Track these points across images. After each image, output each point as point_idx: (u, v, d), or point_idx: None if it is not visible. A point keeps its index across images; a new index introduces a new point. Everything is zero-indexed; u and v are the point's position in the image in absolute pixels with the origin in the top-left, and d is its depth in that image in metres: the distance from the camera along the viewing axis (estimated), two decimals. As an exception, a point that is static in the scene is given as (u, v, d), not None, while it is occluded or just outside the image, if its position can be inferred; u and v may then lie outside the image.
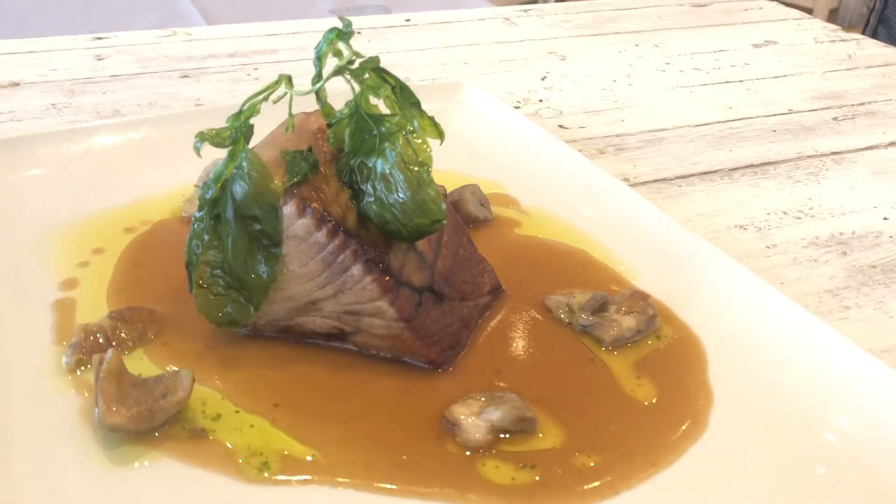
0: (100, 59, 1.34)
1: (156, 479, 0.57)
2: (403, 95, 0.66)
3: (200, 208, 0.66)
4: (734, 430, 0.64)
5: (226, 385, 0.65)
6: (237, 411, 0.63)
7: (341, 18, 0.65)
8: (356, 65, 0.65)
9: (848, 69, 1.48)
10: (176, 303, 0.73)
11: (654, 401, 0.66)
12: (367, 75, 0.65)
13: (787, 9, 1.84)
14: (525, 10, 1.74)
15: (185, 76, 1.30)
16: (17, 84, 1.23)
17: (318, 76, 0.65)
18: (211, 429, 0.61)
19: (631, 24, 1.67)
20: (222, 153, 0.66)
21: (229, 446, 0.60)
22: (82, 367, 0.65)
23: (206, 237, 0.66)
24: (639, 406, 0.66)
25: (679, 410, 0.65)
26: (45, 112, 1.14)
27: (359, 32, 1.47)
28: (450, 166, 0.99)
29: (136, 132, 1.00)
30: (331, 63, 0.65)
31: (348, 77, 0.65)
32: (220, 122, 0.72)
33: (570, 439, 0.62)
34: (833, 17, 4.63)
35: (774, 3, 1.88)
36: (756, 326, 0.73)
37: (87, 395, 0.63)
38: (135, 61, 1.34)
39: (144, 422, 0.59)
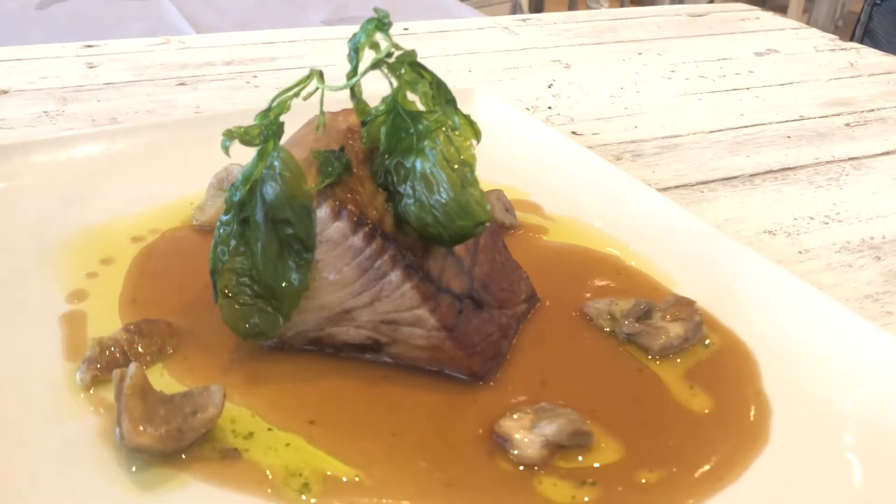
0: (91, 67, 1.29)
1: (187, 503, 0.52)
2: (440, 92, 0.63)
3: (227, 211, 0.62)
4: (797, 441, 0.60)
5: (255, 401, 0.61)
6: (270, 429, 0.58)
7: (377, 10, 0.62)
8: (393, 59, 0.61)
9: (852, 77, 1.47)
10: (195, 315, 0.69)
11: (710, 411, 0.62)
12: (403, 70, 0.61)
13: (784, 18, 1.83)
14: (523, 20, 1.71)
15: (181, 84, 1.25)
16: (5, 92, 1.18)
17: (353, 70, 0.61)
18: (244, 448, 0.56)
19: (631, 34, 1.65)
20: (235, 159, 0.61)
21: (265, 467, 0.55)
22: (97, 385, 0.60)
23: (232, 242, 0.62)
24: (695, 417, 0.62)
25: (738, 421, 0.62)
26: (37, 120, 1.09)
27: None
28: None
29: (138, 139, 0.95)
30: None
31: (385, 71, 0.61)
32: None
33: (630, 454, 0.58)
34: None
35: (770, 13, 1.87)
36: (804, 332, 0.70)
37: (104, 413, 0.58)
38: (128, 69, 1.30)
39: (173, 442, 0.54)
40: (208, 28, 1.77)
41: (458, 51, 1.47)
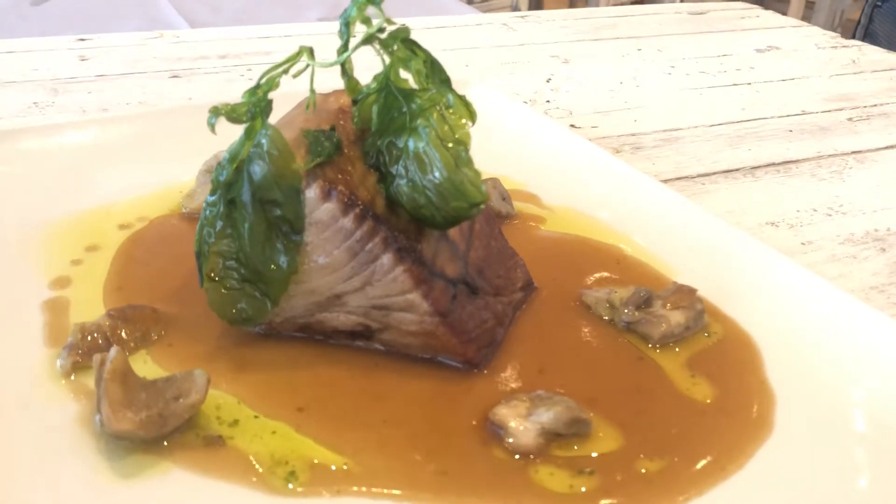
0: (84, 60, 1.27)
1: (169, 492, 0.50)
2: (434, 71, 0.61)
3: (213, 192, 0.60)
4: (801, 431, 0.58)
5: (242, 388, 0.59)
6: (256, 416, 0.56)
7: (369, -18, 0.60)
8: (386, 34, 0.59)
9: (854, 73, 1.45)
10: (181, 301, 0.67)
11: (712, 401, 0.60)
12: (396, 46, 0.60)
13: (785, 17, 1.82)
14: (522, 17, 1.70)
15: (175, 76, 1.23)
16: (-5, 83, 1.16)
17: (344, 46, 0.60)
18: (228, 436, 0.54)
19: (631, 30, 1.64)
20: (226, 145, 0.59)
21: (250, 455, 0.53)
22: (78, 371, 0.58)
23: (219, 224, 0.60)
24: (697, 406, 0.60)
25: (741, 410, 0.59)
26: (28, 111, 1.07)
27: (354, 37, 1.42)
28: (463, 163, 0.93)
29: (129, 127, 0.93)
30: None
31: (377, 47, 0.59)
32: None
33: (630, 442, 0.56)
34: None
35: (770, 11, 1.86)
36: (810, 321, 0.68)
37: (84, 400, 0.56)
38: (121, 62, 1.28)
39: (155, 428, 0.52)
40: (204, 25, 1.75)
41: (455, 46, 1.45)
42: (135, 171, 0.86)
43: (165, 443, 0.53)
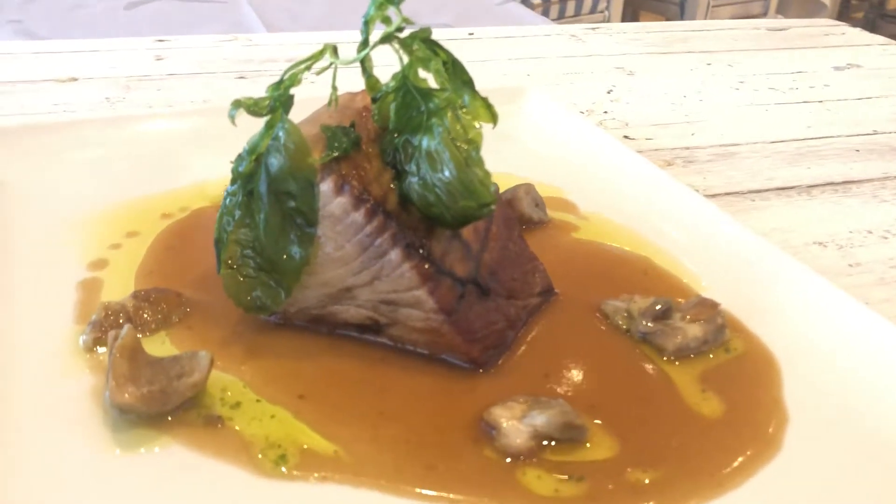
0: (159, 60, 1.33)
1: (163, 466, 0.52)
2: (456, 72, 0.61)
3: (233, 182, 0.62)
4: (810, 454, 0.56)
5: (249, 373, 0.60)
6: (258, 401, 0.58)
7: (391, -16, 0.61)
8: (405, 33, 0.60)
9: (939, 94, 1.38)
10: (206, 288, 0.69)
11: (720, 416, 0.59)
12: (416, 46, 0.61)
13: (872, 34, 1.75)
14: (593, 28, 1.69)
15: (241, 77, 1.28)
16: (75, 79, 1.22)
17: (364, 43, 0.61)
18: (228, 417, 0.56)
19: (704, 45, 1.61)
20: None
21: (246, 437, 0.54)
22: (99, 347, 0.61)
23: (237, 213, 0.62)
24: (704, 421, 0.58)
25: (749, 428, 0.58)
26: (99, 105, 1.13)
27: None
28: (507, 169, 0.94)
29: (185, 122, 0.97)
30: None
31: (396, 47, 0.60)
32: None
33: (624, 452, 0.55)
34: None
35: (858, 28, 1.79)
36: (839, 343, 0.65)
37: (100, 375, 0.59)
38: (193, 62, 1.33)
39: (156, 403, 0.54)
40: (281, 31, 1.81)
41: (520, 55, 1.46)
42: (184, 164, 0.90)
43: (170, 418, 0.55)
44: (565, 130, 1.01)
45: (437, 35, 0.62)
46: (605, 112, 1.22)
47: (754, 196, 0.97)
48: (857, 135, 1.18)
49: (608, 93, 1.31)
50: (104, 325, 0.62)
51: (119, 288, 0.69)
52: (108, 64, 1.30)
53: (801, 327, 0.67)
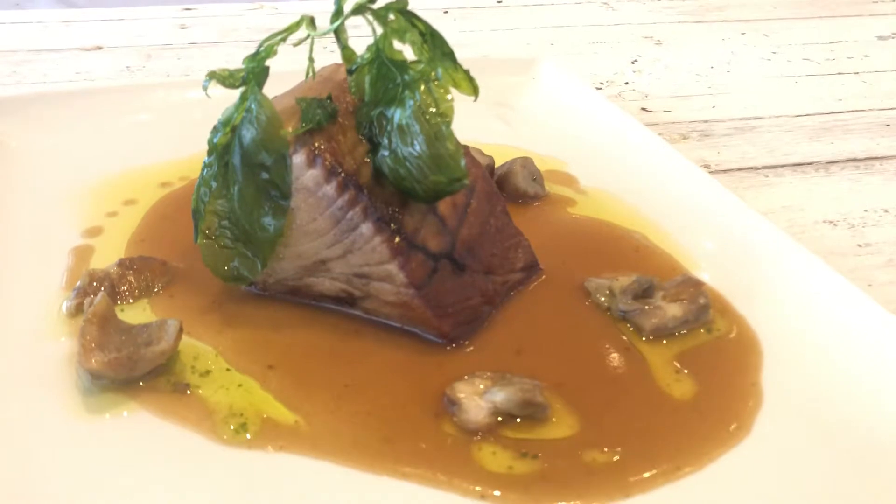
0: (183, 28, 1.35)
1: (127, 430, 0.54)
2: (435, 44, 0.61)
3: (210, 153, 0.63)
4: (779, 440, 0.55)
5: (223, 342, 0.61)
6: (228, 369, 0.59)
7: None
8: (380, 4, 0.59)
9: None
10: (193, 258, 0.70)
11: (690, 398, 0.58)
12: (391, 17, 0.60)
13: (923, 2, 1.66)
14: (626, -4, 1.64)
15: (262, 46, 1.28)
16: (100, 48, 1.25)
17: (337, 13, 0.60)
18: (196, 385, 0.57)
19: (740, 13, 1.55)
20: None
21: (211, 404, 0.56)
22: (82, 313, 0.63)
23: (213, 184, 0.63)
24: (672, 403, 0.57)
25: (719, 412, 0.57)
26: (119, 74, 1.15)
27: (445, 12, 1.42)
28: (511, 142, 0.93)
29: (194, 92, 0.98)
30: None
31: (370, 18, 0.60)
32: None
33: (584, 431, 0.55)
34: None
35: (908, -4, 1.71)
36: (827, 328, 0.63)
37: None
38: (217, 31, 1.34)
39: (123, 370, 0.55)
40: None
41: (546, 24, 1.43)
42: (188, 134, 0.90)
43: (141, 384, 0.57)
44: (573, 103, 0.99)
45: (463, 2, 0.61)
46: (626, 83, 1.19)
47: (768, 172, 0.95)
48: (891, 108, 1.14)
49: (632, 63, 1.28)
50: (88, 291, 0.64)
51: (110, 255, 0.70)
52: (135, 32, 1.32)
53: (790, 310, 0.66)
